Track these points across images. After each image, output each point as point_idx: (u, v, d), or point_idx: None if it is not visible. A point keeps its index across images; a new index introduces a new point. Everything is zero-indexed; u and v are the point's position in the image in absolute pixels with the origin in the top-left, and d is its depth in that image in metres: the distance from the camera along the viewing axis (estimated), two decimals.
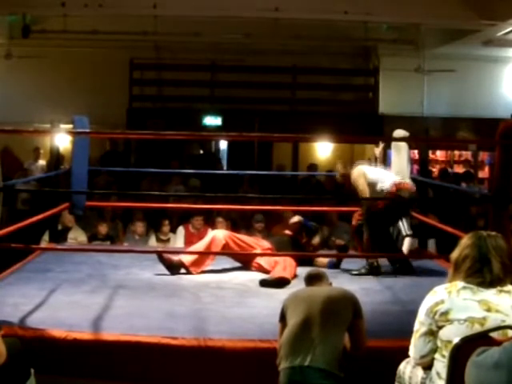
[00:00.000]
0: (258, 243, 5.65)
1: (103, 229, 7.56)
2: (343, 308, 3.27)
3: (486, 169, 12.90)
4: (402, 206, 5.66)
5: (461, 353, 2.31)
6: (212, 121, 12.18)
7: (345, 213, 8.13)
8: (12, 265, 5.31)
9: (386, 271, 5.40)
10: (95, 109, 10.22)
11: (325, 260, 5.56)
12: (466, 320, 2.47)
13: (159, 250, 6.89)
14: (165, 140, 10.83)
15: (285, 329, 3.30)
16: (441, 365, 2.50)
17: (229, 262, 5.57)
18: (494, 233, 2.71)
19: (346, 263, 5.58)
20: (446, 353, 2.44)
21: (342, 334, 3.22)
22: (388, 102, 12.14)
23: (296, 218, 6.02)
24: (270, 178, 10.56)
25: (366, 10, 10.11)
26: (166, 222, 7.70)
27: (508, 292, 2.54)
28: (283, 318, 3.36)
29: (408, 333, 2.74)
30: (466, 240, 2.67)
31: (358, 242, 5.67)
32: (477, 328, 2.44)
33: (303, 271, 4.38)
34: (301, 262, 5.33)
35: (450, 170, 12.15)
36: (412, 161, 6.72)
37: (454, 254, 2.67)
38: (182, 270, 5.34)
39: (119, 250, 6.52)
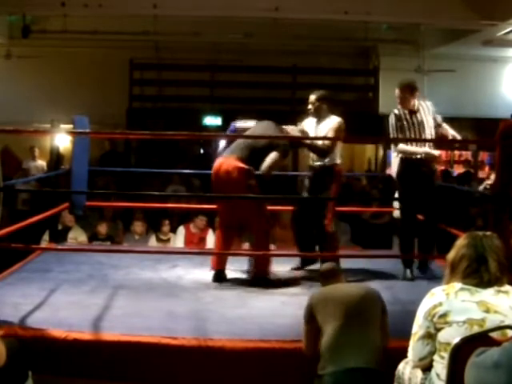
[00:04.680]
0: None
1: (103, 229, 7.55)
2: (374, 306, 3.32)
3: (486, 169, 12.90)
4: None
5: (460, 353, 2.31)
6: (212, 121, 12.19)
7: (345, 213, 8.14)
8: (12, 265, 5.31)
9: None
10: (95, 109, 10.24)
11: None
12: (464, 322, 2.46)
13: (159, 250, 6.90)
14: (165, 140, 10.84)
15: (313, 331, 3.30)
16: (440, 366, 2.50)
17: (229, 262, 5.56)
18: (489, 233, 2.71)
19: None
20: (445, 354, 2.44)
21: (378, 332, 3.25)
22: (388, 102, 12.07)
23: None
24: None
25: (366, 10, 10.11)
26: (166, 222, 7.69)
27: (506, 292, 2.54)
28: (312, 319, 3.32)
29: (408, 333, 2.74)
30: (461, 240, 2.67)
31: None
32: (476, 330, 2.44)
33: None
34: None
35: (450, 170, 12.14)
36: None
37: (450, 255, 2.67)
38: (180, 271, 5.38)
39: (119, 250, 6.51)
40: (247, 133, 5.31)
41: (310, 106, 5.50)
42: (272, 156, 5.07)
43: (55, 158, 6.32)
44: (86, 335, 3.65)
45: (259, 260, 5.05)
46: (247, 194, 4.90)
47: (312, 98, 5.47)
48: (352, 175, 11.17)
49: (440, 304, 2.52)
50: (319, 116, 5.48)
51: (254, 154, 5.05)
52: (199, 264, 5.50)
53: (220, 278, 5.09)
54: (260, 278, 4.99)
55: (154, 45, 11.97)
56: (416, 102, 5.33)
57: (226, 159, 5.05)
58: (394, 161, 6.27)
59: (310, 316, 3.34)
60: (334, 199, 5.56)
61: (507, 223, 4.02)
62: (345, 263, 5.55)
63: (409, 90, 5.29)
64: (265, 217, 5.07)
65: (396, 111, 5.33)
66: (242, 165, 4.96)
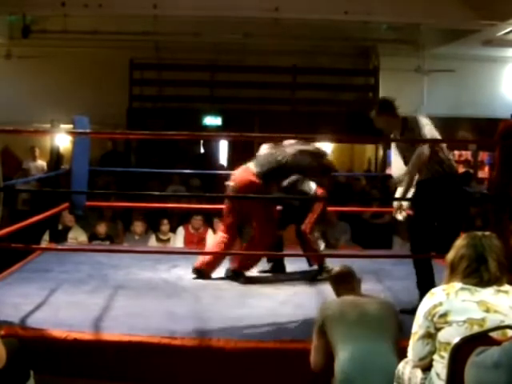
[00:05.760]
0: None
1: (101, 228, 7.57)
2: (393, 326, 3.16)
3: (486, 169, 12.90)
4: None
5: (460, 353, 2.31)
6: (212, 121, 12.19)
7: (345, 213, 8.15)
8: (12, 265, 5.31)
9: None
10: (95, 109, 10.23)
11: None
12: (465, 322, 2.46)
13: (159, 250, 6.91)
14: (165, 140, 10.84)
15: (323, 346, 3.15)
16: (440, 366, 2.50)
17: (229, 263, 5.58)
18: (488, 233, 2.71)
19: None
20: (445, 354, 2.44)
21: (395, 356, 3.04)
22: None
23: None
24: None
25: (366, 10, 10.10)
26: (165, 222, 7.70)
27: (506, 292, 2.54)
28: (323, 334, 3.16)
29: (408, 333, 2.74)
30: (461, 241, 2.67)
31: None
32: (476, 329, 2.43)
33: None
34: None
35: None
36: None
37: (450, 255, 2.67)
38: (179, 270, 5.39)
39: (119, 250, 6.52)
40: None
41: None
42: None
43: (55, 158, 6.33)
44: (86, 335, 3.65)
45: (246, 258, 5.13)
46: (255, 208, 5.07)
47: None
48: (352, 175, 11.18)
49: (440, 304, 2.52)
50: None
51: (275, 172, 5.13)
52: None
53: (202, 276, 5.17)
54: (237, 273, 5.07)
55: (154, 45, 11.97)
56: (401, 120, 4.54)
57: (244, 170, 5.18)
58: (394, 160, 6.27)
59: (321, 331, 3.18)
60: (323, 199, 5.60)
61: (507, 223, 4.02)
62: (345, 263, 5.56)
63: (376, 111, 4.63)
64: (271, 228, 5.17)
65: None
66: (253, 179, 5.06)
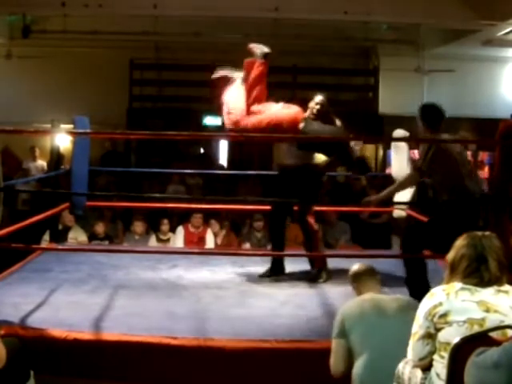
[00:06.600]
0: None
1: (100, 228, 7.57)
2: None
3: (486, 169, 12.90)
4: None
5: (460, 353, 2.31)
6: (212, 121, 12.18)
7: (344, 212, 8.15)
8: (12, 265, 5.32)
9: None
10: (95, 109, 10.22)
11: None
12: (465, 322, 2.46)
13: (159, 250, 6.91)
14: (165, 140, 10.85)
15: (344, 348, 3.04)
16: (440, 366, 2.50)
17: (229, 262, 5.57)
18: (488, 233, 2.71)
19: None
20: (445, 354, 2.43)
21: None
22: (388, 102, 12.13)
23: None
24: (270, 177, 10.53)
25: (366, 10, 10.10)
26: (165, 222, 7.71)
27: (506, 292, 2.54)
28: (343, 335, 3.07)
29: None
30: (461, 241, 2.67)
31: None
32: (476, 329, 2.43)
33: None
34: None
35: None
36: (412, 161, 6.70)
37: (450, 255, 2.67)
38: (180, 271, 5.38)
39: (119, 250, 6.53)
40: None
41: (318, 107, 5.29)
42: None
43: (55, 158, 6.33)
44: (86, 335, 3.66)
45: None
46: None
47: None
48: (352, 175, 11.17)
49: (440, 304, 2.52)
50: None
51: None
52: (199, 264, 5.51)
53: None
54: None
55: (154, 45, 11.96)
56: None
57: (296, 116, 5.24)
58: (394, 160, 6.29)
59: (342, 332, 3.08)
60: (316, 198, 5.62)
61: (507, 223, 4.02)
62: (345, 263, 5.57)
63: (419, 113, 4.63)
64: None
65: None
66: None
